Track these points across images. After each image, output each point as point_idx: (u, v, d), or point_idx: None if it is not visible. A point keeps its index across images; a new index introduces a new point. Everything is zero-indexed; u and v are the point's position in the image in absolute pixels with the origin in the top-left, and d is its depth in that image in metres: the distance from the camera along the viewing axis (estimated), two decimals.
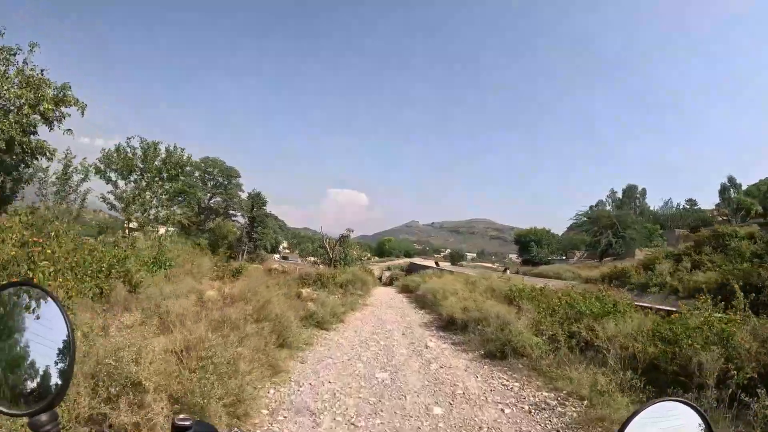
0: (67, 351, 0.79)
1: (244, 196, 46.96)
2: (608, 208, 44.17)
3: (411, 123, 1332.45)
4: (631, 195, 40.14)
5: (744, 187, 38.40)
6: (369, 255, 67.21)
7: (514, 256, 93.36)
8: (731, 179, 39.19)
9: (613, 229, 31.69)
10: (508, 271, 24.09)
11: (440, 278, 18.09)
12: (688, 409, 0.85)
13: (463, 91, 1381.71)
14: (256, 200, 46.53)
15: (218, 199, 46.76)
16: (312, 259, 41.91)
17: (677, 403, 0.86)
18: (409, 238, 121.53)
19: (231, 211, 47.68)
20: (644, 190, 42.79)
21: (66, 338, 0.80)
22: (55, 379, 0.77)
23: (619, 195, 41.66)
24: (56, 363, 0.79)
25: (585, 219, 36.07)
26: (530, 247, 41.02)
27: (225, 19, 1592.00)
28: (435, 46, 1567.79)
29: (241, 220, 48.46)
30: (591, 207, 43.23)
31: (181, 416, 0.82)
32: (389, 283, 38.85)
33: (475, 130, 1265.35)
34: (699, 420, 0.85)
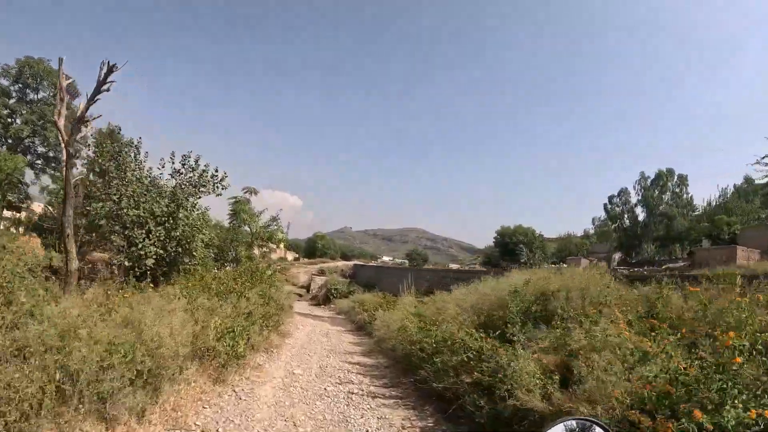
0: None
1: (89, 132, 29.13)
2: (633, 199, 33.74)
3: (346, 130, 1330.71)
4: (663, 183, 30.49)
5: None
6: (295, 255, 53.16)
7: (455, 266, 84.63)
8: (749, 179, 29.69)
9: None
10: None
11: None
12: (596, 428, 0.76)
13: (404, 102, 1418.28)
14: (111, 139, 28.76)
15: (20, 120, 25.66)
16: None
17: (586, 422, 0.80)
18: (342, 244, 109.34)
19: (51, 153, 27.17)
20: (685, 176, 29.47)
21: None
22: None
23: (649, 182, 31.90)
24: None
25: None
26: (518, 250, 30.96)
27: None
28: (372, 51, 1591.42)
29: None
30: (610, 198, 34.28)
31: None
32: (323, 301, 23.46)
33: (413, 139, 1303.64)
34: None
